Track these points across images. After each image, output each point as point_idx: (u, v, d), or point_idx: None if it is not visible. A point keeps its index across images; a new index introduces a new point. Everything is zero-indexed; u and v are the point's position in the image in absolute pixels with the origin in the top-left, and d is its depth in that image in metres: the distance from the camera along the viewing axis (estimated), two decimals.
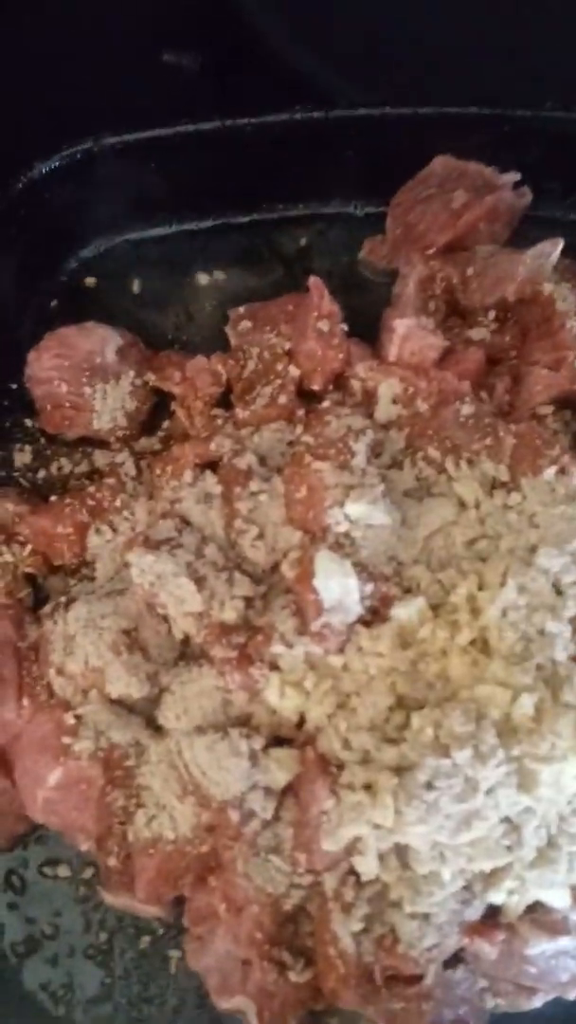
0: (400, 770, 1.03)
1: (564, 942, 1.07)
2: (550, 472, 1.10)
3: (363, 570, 1.09)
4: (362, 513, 1.09)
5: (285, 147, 1.43)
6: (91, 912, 1.28)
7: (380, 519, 1.09)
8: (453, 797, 1.00)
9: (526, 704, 1.00)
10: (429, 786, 1.00)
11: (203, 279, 1.46)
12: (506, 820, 1.04)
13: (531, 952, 1.06)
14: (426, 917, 1.06)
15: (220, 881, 1.13)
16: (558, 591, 1.06)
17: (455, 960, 1.12)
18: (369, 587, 1.08)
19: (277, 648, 1.08)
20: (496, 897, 1.07)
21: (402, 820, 1.00)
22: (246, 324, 1.34)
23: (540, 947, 1.06)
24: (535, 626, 1.03)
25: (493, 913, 1.10)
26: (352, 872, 1.08)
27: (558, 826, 1.06)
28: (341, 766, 1.07)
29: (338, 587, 1.05)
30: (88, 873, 1.28)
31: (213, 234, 1.48)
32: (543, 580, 1.04)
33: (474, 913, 1.08)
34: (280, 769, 1.07)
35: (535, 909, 1.09)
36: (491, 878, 1.07)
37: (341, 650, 1.08)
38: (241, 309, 1.36)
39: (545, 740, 0.99)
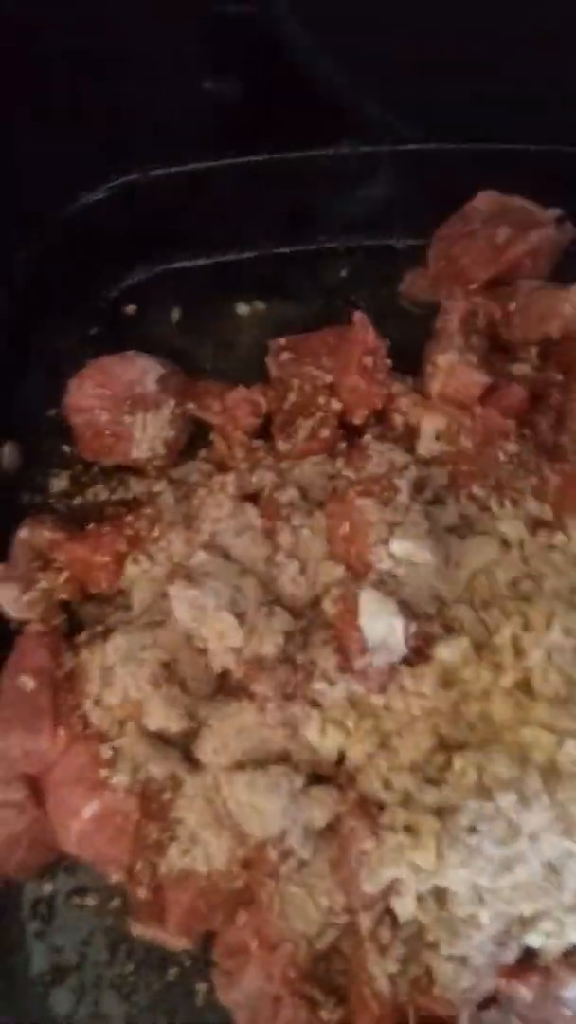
0: (442, 812, 1.02)
1: None
2: None
3: (406, 608, 1.08)
4: (407, 551, 1.09)
5: (328, 180, 1.45)
6: (118, 942, 1.27)
7: (424, 557, 1.09)
8: (496, 841, 0.99)
9: (572, 748, 0.99)
10: (472, 829, 0.99)
11: (243, 309, 1.47)
12: (546, 863, 1.03)
13: (567, 994, 1.05)
14: (463, 959, 1.05)
15: (253, 917, 1.12)
16: None
17: (489, 1001, 1.10)
18: (413, 626, 1.07)
19: (318, 685, 1.08)
20: (534, 940, 1.06)
21: (444, 863, 0.99)
22: (287, 355, 1.35)
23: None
24: None
25: (529, 955, 1.09)
26: (388, 912, 1.07)
27: None
28: (381, 806, 1.06)
29: (382, 626, 1.05)
30: (116, 903, 1.27)
31: (254, 264, 1.49)
32: None
33: (510, 955, 1.07)
34: (320, 808, 1.06)
35: (572, 952, 1.07)
36: (529, 921, 1.05)
37: (383, 689, 1.07)
38: (282, 340, 1.37)
39: None
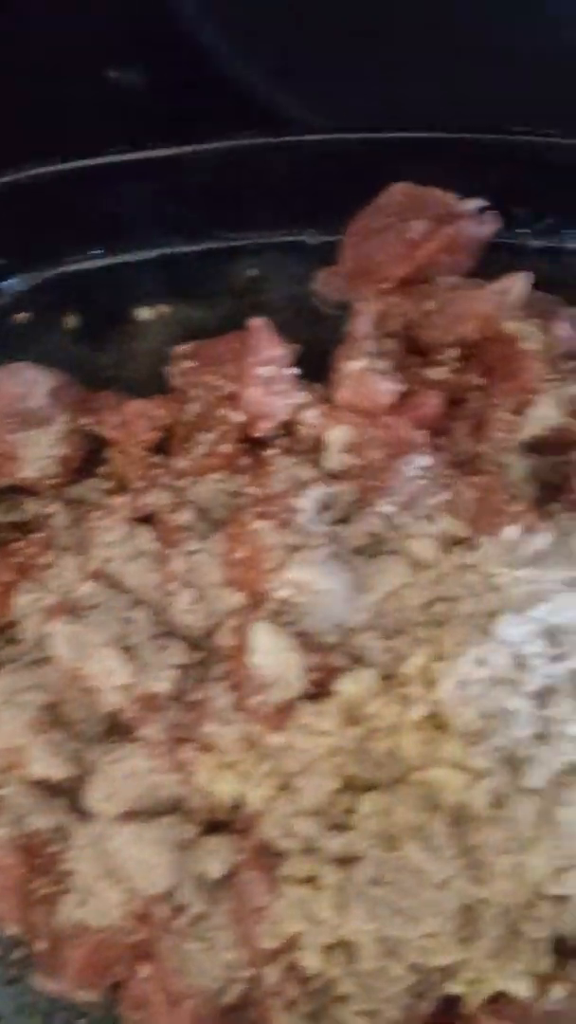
0: (346, 861, 0.94)
1: None
2: (512, 530, 1.01)
3: (306, 640, 1.00)
4: (305, 577, 1.01)
5: (233, 173, 1.35)
6: (23, 995, 1.18)
7: (325, 584, 1.01)
8: (402, 892, 0.91)
9: (483, 791, 0.92)
10: (375, 881, 0.92)
11: (145, 313, 1.37)
12: (460, 912, 0.96)
13: None
14: (374, 1014, 0.97)
15: (156, 970, 1.04)
16: (520, 663, 0.97)
17: None
18: (313, 659, 0.99)
19: (211, 726, 1.00)
20: (454, 989, 0.99)
21: (347, 917, 0.91)
22: (188, 364, 1.26)
23: None
24: (494, 702, 0.95)
25: (452, 1003, 1.01)
26: (294, 966, 0.99)
27: (521, 912, 0.98)
28: (282, 855, 0.98)
29: (275, 661, 0.96)
30: (19, 954, 1.18)
31: (156, 265, 1.39)
32: (503, 651, 0.96)
33: (429, 1006, 0.99)
34: (215, 859, 0.98)
35: (497, 999, 1.00)
36: (448, 970, 0.98)
37: (282, 728, 0.99)
38: (184, 347, 1.28)
39: (502, 830, 0.91)
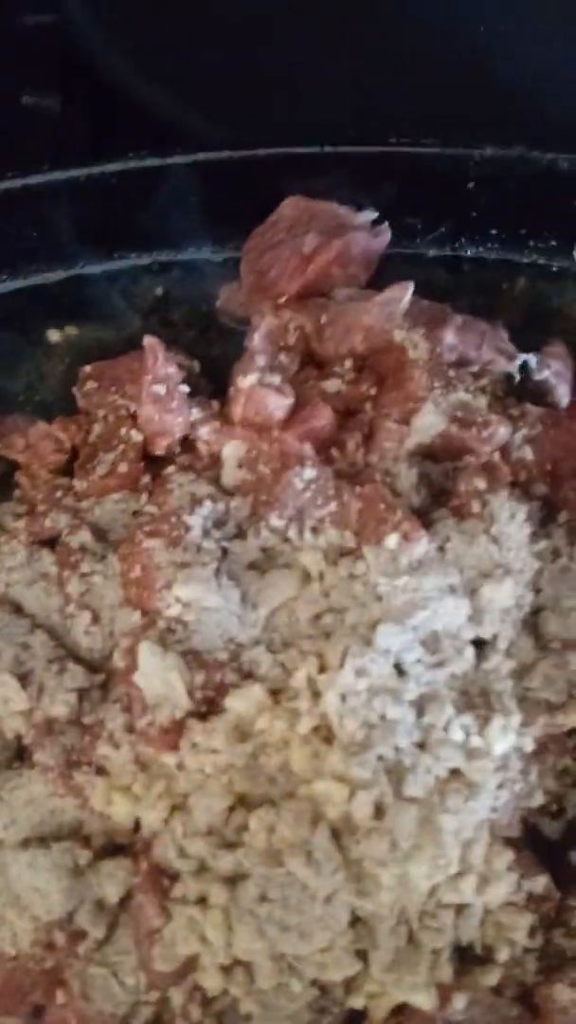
0: (234, 880, 0.95)
1: None
2: (393, 539, 1.02)
3: (194, 658, 1.00)
4: (193, 595, 1.01)
5: (135, 192, 1.36)
6: None
7: (213, 601, 1.01)
8: (289, 908, 0.91)
9: (364, 802, 0.92)
10: (261, 898, 0.92)
11: (54, 336, 1.38)
12: (351, 925, 0.96)
13: None
14: None
15: (69, 996, 1.04)
16: (400, 671, 0.97)
17: None
18: (200, 677, 0.99)
19: (103, 750, 1.00)
20: (356, 1003, 0.99)
21: (235, 937, 0.91)
22: (92, 384, 1.26)
23: None
24: (376, 712, 0.95)
25: (356, 1018, 1.01)
26: (199, 987, 0.99)
27: (419, 922, 0.98)
28: (177, 877, 0.98)
29: (160, 681, 0.97)
30: None
31: (63, 287, 1.40)
32: (383, 661, 0.96)
33: (334, 1022, 0.99)
34: (112, 883, 0.98)
35: (401, 1011, 1.00)
36: (349, 984, 0.98)
37: (175, 748, 0.99)
38: (88, 368, 1.29)
39: (384, 841, 0.91)
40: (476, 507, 1.06)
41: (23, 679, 1.05)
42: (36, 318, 1.38)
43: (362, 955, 0.97)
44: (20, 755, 1.07)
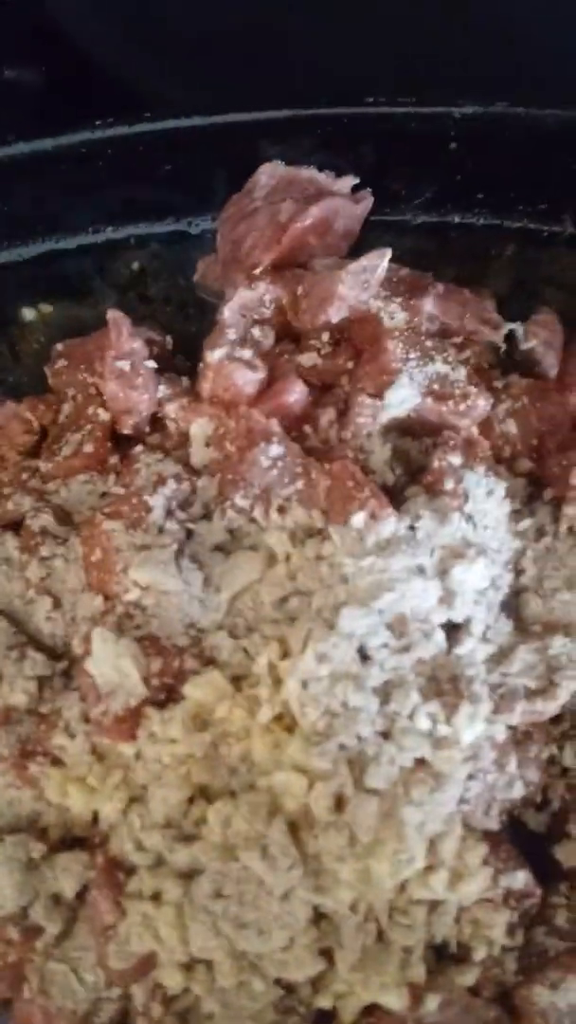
0: (190, 875, 0.91)
1: None
2: (359, 517, 0.97)
3: (152, 644, 0.96)
4: (150, 579, 0.97)
5: (107, 164, 1.32)
6: None
7: (172, 585, 0.97)
8: (245, 905, 0.87)
9: (323, 794, 0.87)
10: (217, 894, 0.88)
11: (28, 314, 1.34)
12: (322, 918, 0.92)
13: None
14: None
15: (31, 993, 1.01)
16: (364, 656, 0.92)
17: None
18: (157, 663, 0.95)
19: (59, 739, 0.96)
20: (323, 1003, 0.95)
21: (188, 935, 0.87)
22: (62, 363, 1.22)
23: None
24: (338, 699, 0.90)
25: (326, 1019, 0.97)
26: (160, 985, 0.95)
27: (389, 920, 0.93)
28: (133, 871, 0.94)
29: (111, 668, 0.93)
30: None
31: (37, 264, 1.36)
32: (346, 646, 0.91)
33: (301, 1022, 0.95)
34: (68, 877, 0.95)
35: (372, 1012, 0.96)
36: (314, 982, 0.94)
37: (132, 737, 0.95)
38: (60, 346, 1.25)
39: (342, 835, 0.86)
40: (449, 484, 1.00)
41: None
42: (9, 296, 1.34)
43: (328, 954, 0.93)
44: None
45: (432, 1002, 0.93)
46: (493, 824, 0.98)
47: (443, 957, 0.98)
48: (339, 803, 0.89)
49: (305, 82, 1.24)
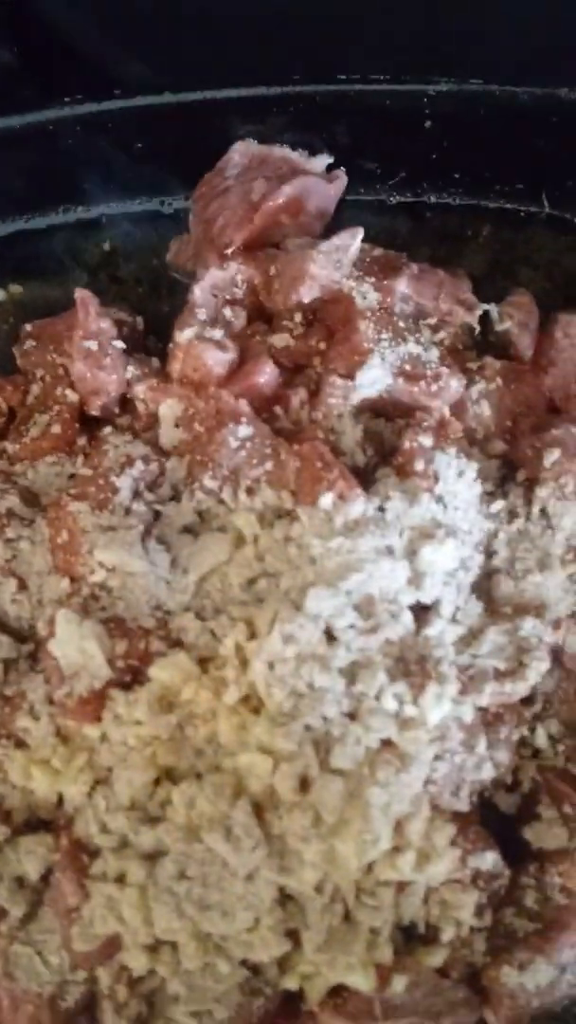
0: (155, 857, 0.90)
1: None
2: (327, 498, 0.96)
3: (117, 626, 0.95)
4: (115, 560, 0.96)
5: (77, 142, 1.30)
6: None
7: (137, 566, 0.96)
8: (209, 886, 0.87)
9: (287, 775, 0.87)
10: (181, 876, 0.87)
11: None
12: (288, 900, 0.91)
13: None
14: (208, 1013, 0.93)
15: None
16: (331, 637, 0.92)
17: None
18: (122, 645, 0.94)
19: (22, 721, 0.95)
20: (290, 984, 0.94)
21: (152, 916, 0.87)
22: (31, 343, 1.21)
23: None
24: (304, 680, 0.90)
25: (293, 1000, 0.97)
26: (126, 967, 0.95)
27: (355, 900, 0.93)
28: (97, 853, 0.93)
29: (76, 650, 0.92)
30: None
31: (6, 244, 1.34)
32: (312, 627, 0.90)
33: (267, 1004, 0.95)
34: (31, 860, 0.94)
35: (339, 993, 0.95)
36: (280, 963, 0.94)
37: (97, 719, 0.94)
38: (28, 326, 1.23)
39: (307, 816, 0.86)
40: (419, 465, 0.99)
41: None
42: None
43: (294, 935, 0.92)
44: None
45: (400, 983, 0.93)
46: (463, 806, 0.98)
47: (411, 938, 0.97)
48: (304, 784, 0.89)
49: (278, 59, 1.22)
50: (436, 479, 0.99)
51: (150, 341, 1.26)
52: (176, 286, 1.32)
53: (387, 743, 0.90)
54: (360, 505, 0.96)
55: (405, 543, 0.96)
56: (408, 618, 0.94)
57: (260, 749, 0.89)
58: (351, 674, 0.91)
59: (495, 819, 1.05)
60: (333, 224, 1.25)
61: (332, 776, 0.88)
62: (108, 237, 1.34)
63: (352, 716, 0.90)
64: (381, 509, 0.97)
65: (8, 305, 1.33)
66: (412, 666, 0.93)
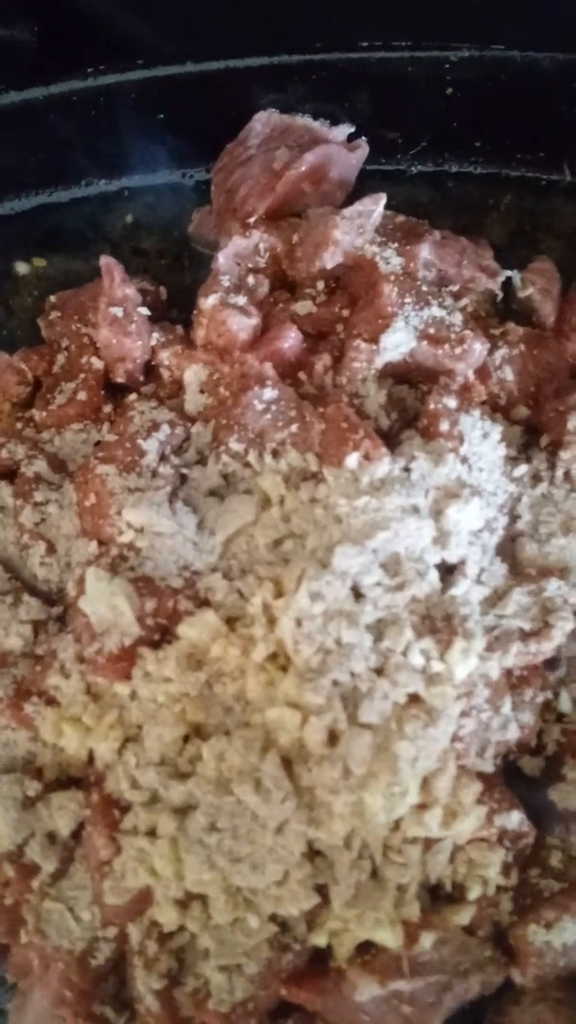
0: (185, 811, 0.91)
1: (398, 986, 0.94)
2: (353, 459, 0.96)
3: (146, 584, 0.96)
4: (143, 520, 0.97)
5: (99, 113, 1.31)
6: None
7: (165, 526, 0.97)
8: (239, 839, 0.88)
9: (317, 728, 0.88)
10: (212, 828, 0.88)
11: (22, 268, 1.34)
12: (317, 854, 0.92)
13: (360, 999, 0.94)
14: (236, 968, 0.94)
15: (28, 935, 1.01)
16: (358, 594, 0.92)
17: (288, 1009, 0.99)
18: (151, 603, 0.95)
19: (53, 679, 0.96)
20: (318, 940, 0.95)
21: (184, 868, 0.88)
22: (56, 314, 1.22)
23: (371, 993, 0.94)
24: (331, 636, 0.90)
25: (322, 957, 0.98)
26: (156, 923, 0.96)
27: (383, 857, 0.94)
28: (128, 808, 0.94)
29: (106, 607, 0.92)
30: None
31: (30, 217, 1.35)
32: (339, 584, 0.91)
33: (296, 959, 0.96)
34: (64, 815, 0.95)
35: (367, 950, 0.96)
36: (309, 920, 0.94)
37: (127, 677, 0.95)
38: (53, 298, 1.24)
39: (336, 768, 0.86)
40: (445, 426, 1.00)
41: None
42: (2, 250, 1.34)
43: (323, 891, 0.93)
44: None
45: (427, 940, 0.93)
46: (488, 766, 0.98)
47: (438, 896, 0.98)
48: (332, 738, 0.89)
49: (299, 28, 1.22)
50: (461, 440, 0.99)
51: (172, 313, 1.27)
52: (198, 258, 1.33)
53: (414, 698, 0.91)
54: (386, 465, 0.96)
55: (431, 503, 0.96)
56: (434, 576, 0.95)
57: (288, 704, 0.90)
58: (378, 631, 0.92)
59: (520, 782, 1.05)
60: (354, 194, 1.26)
61: (360, 730, 0.88)
62: (130, 210, 1.35)
63: (379, 671, 0.91)
64: (406, 470, 0.97)
65: (32, 278, 1.34)
66: (438, 623, 0.93)
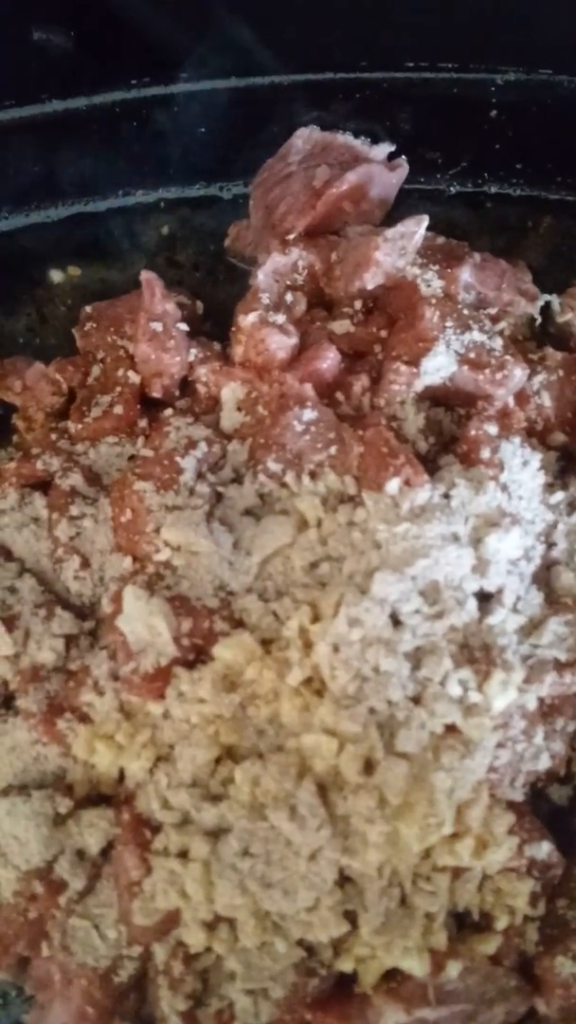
0: (217, 834, 0.91)
1: (424, 1014, 0.94)
2: (394, 484, 0.96)
3: (182, 604, 0.96)
4: (181, 539, 0.96)
5: (140, 125, 1.31)
6: None
7: (203, 545, 0.96)
8: (272, 864, 0.87)
9: (353, 756, 0.87)
10: (245, 853, 0.88)
11: (57, 276, 1.34)
12: (347, 882, 0.92)
13: None
14: (263, 992, 0.94)
15: (52, 950, 1.01)
16: (396, 622, 0.92)
17: None
18: (188, 623, 0.95)
19: (87, 696, 0.96)
20: (345, 966, 0.95)
21: (215, 892, 0.88)
22: (91, 325, 1.22)
23: (396, 1020, 0.94)
24: (369, 663, 0.90)
25: (347, 982, 0.97)
26: (183, 943, 0.95)
27: (412, 885, 0.93)
28: (159, 829, 0.94)
29: (143, 627, 0.92)
30: None
31: (66, 225, 1.35)
32: (378, 610, 0.91)
33: (322, 984, 0.95)
34: (93, 833, 0.95)
35: (393, 977, 0.96)
36: (336, 945, 0.94)
37: (161, 696, 0.95)
38: (88, 308, 1.24)
39: (372, 797, 0.86)
40: (486, 453, 0.99)
41: (9, 624, 1.01)
42: (38, 258, 1.34)
43: (351, 917, 0.93)
44: (6, 702, 1.04)
45: (453, 969, 0.93)
46: (518, 795, 0.98)
47: (465, 925, 0.98)
48: (368, 766, 0.89)
49: (344, 46, 1.22)
50: (502, 468, 0.99)
51: (206, 326, 1.27)
52: (233, 272, 1.33)
53: (451, 728, 0.90)
54: (426, 491, 0.96)
55: (470, 531, 0.96)
56: (473, 605, 0.94)
57: (324, 730, 0.89)
58: (416, 659, 0.91)
59: (547, 811, 1.05)
60: (392, 213, 1.26)
61: (397, 759, 0.88)
62: (166, 221, 1.35)
63: (416, 700, 0.91)
64: (446, 496, 0.97)
65: (67, 286, 1.34)
66: (476, 653, 0.93)
